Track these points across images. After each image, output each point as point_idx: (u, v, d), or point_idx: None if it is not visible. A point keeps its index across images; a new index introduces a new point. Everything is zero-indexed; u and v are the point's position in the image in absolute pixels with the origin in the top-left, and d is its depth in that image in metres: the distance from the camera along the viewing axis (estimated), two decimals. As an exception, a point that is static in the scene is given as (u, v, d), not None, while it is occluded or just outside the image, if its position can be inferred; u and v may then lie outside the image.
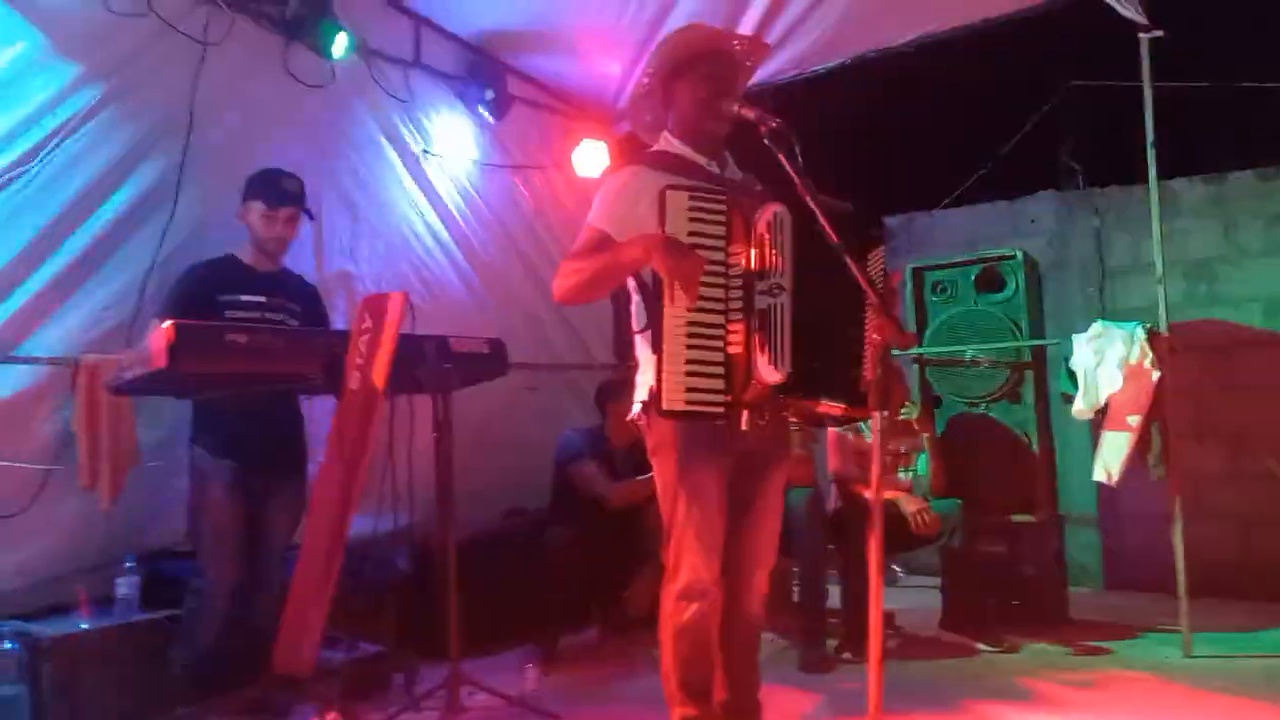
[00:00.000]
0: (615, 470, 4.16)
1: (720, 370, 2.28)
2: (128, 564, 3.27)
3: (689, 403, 2.26)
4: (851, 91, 5.63)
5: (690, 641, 2.48)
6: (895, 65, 4.81)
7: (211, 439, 3.23)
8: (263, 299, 3.31)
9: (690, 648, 2.48)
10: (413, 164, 4.54)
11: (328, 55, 3.94)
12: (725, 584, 2.53)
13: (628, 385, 2.64)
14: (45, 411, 3.23)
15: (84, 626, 3.09)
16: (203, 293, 3.22)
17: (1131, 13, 3.87)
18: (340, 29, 3.93)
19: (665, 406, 2.26)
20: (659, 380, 2.27)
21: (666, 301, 2.26)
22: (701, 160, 2.55)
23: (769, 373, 2.26)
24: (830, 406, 2.46)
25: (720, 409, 2.29)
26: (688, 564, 2.45)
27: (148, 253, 3.42)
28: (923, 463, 4.25)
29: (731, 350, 2.29)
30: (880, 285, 2.42)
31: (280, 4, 3.81)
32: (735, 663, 2.62)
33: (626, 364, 5.23)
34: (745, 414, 2.32)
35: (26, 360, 3.18)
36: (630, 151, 4.85)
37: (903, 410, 4.12)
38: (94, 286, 3.35)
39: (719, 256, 2.30)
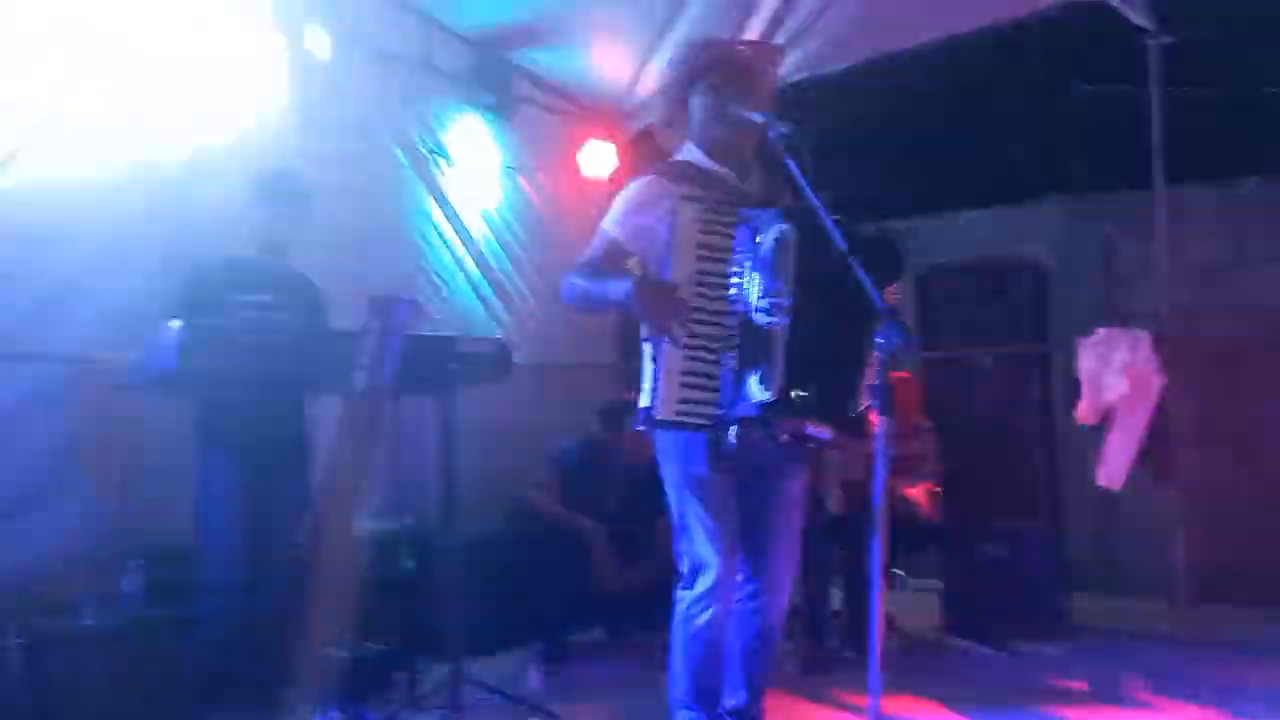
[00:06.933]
0: (609, 486, 4.15)
1: (714, 384, 2.34)
2: (133, 561, 3.29)
3: (679, 414, 2.34)
4: (860, 94, 5.63)
5: (705, 646, 2.48)
6: (903, 68, 4.81)
7: (219, 437, 3.25)
8: (269, 298, 3.33)
9: (705, 652, 2.49)
10: (420, 163, 4.54)
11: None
12: (752, 598, 2.57)
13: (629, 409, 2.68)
14: (55, 408, 3.25)
15: (89, 623, 3.10)
16: (211, 292, 3.23)
17: (1141, 18, 3.88)
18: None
19: (659, 415, 2.35)
20: (655, 389, 2.35)
21: None
22: (723, 172, 2.55)
23: (758, 391, 2.30)
24: (818, 429, 2.47)
25: (708, 421, 2.34)
26: (701, 567, 2.47)
27: (158, 251, 3.43)
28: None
29: (726, 365, 2.34)
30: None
31: None
32: (755, 672, 2.63)
33: (629, 364, 5.24)
34: (733, 429, 2.35)
35: (37, 358, 3.20)
36: (645, 155, 4.87)
37: None
38: (105, 284, 3.35)
39: (723, 270, 2.35)
